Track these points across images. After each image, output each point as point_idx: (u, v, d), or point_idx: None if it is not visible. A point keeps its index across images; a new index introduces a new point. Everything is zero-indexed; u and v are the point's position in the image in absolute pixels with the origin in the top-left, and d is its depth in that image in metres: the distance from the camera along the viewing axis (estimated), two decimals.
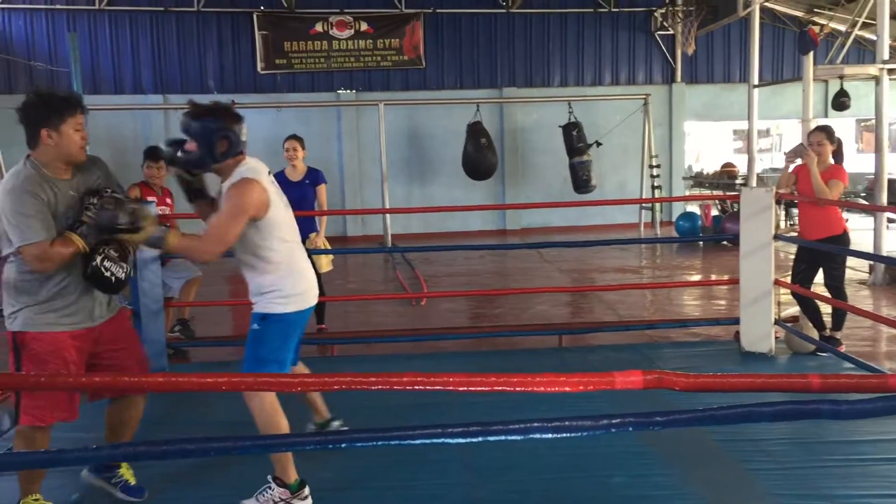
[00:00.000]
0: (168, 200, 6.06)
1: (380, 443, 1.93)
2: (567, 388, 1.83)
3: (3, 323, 3.10)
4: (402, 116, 14.73)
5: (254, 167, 3.21)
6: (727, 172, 14.06)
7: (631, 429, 1.95)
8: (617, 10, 15.40)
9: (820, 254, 5.48)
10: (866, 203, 11.20)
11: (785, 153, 5.76)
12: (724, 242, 11.81)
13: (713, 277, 10.03)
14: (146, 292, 5.17)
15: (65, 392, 3.06)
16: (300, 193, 6.05)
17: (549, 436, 1.90)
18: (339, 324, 7.00)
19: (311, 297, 3.39)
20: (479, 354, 6.00)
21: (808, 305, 5.56)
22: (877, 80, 8.77)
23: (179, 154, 3.20)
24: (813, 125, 7.36)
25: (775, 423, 3.62)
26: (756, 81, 11.62)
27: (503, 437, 1.91)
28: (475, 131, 13.34)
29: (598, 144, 13.34)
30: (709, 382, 1.92)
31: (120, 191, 3.21)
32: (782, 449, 3.82)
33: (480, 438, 1.89)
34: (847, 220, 6.11)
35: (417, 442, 1.90)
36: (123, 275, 3.09)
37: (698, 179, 14.82)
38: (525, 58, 15.38)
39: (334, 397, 3.11)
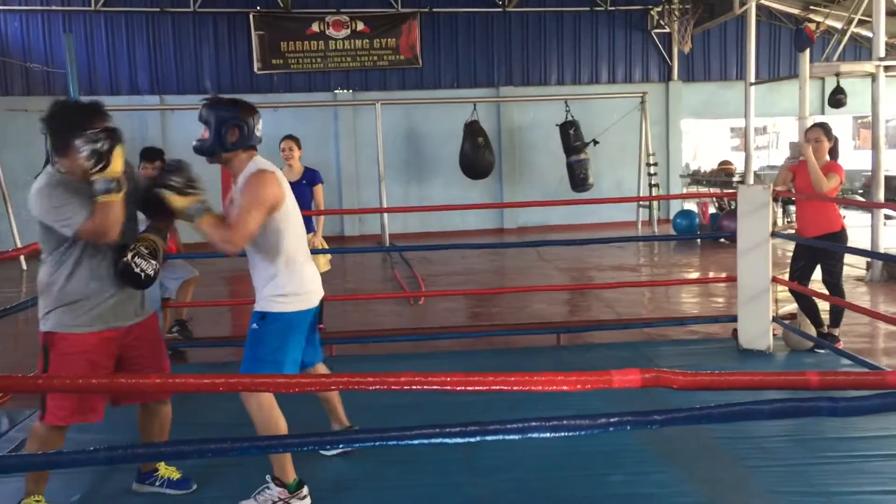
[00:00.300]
0: None
1: (378, 443, 1.93)
2: (565, 388, 1.83)
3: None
4: (399, 116, 14.72)
5: (266, 162, 3.27)
6: (724, 170, 14.07)
7: (629, 427, 1.95)
8: (613, 8, 15.40)
9: (818, 251, 5.48)
10: (863, 200, 11.21)
11: (787, 158, 5.75)
12: (722, 240, 11.81)
13: (711, 275, 10.04)
14: None
15: (158, 377, 3.08)
16: (297, 193, 5.96)
17: (548, 435, 1.90)
18: (337, 323, 6.99)
19: (313, 298, 3.37)
20: (478, 353, 6.00)
21: (805, 302, 5.56)
22: (873, 77, 8.78)
23: (194, 143, 3.25)
24: (810, 122, 7.37)
25: (773, 421, 3.62)
26: (753, 79, 11.63)
27: (501, 437, 1.91)
28: (472, 130, 13.34)
29: (595, 143, 13.33)
30: (707, 380, 1.92)
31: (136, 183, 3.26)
32: (780, 446, 3.82)
33: (479, 438, 1.89)
34: (844, 216, 6.11)
35: (416, 442, 1.89)
36: (153, 271, 3.12)
37: (695, 177, 14.82)
38: (522, 56, 15.38)
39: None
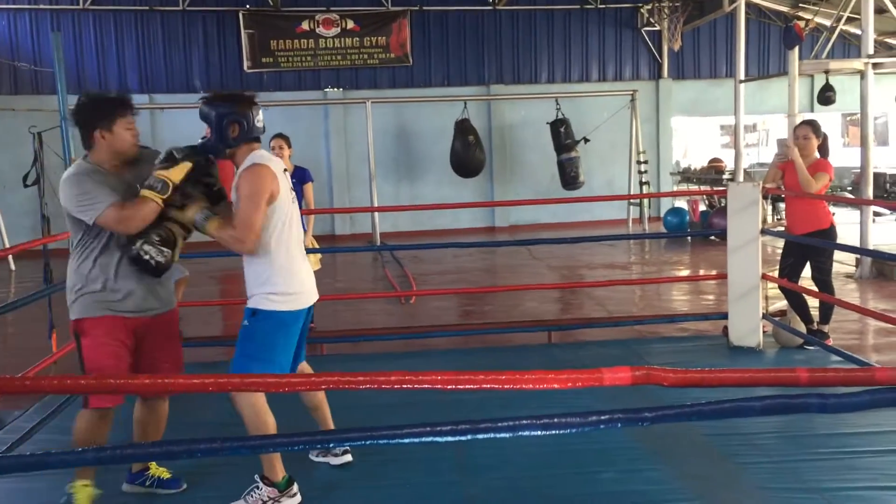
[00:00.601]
0: None
1: (369, 442, 1.92)
2: (556, 385, 1.83)
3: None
4: (390, 114, 14.69)
5: (266, 155, 3.26)
6: (714, 168, 14.11)
7: (620, 425, 1.95)
8: (603, 6, 15.41)
9: (807, 248, 5.50)
10: (852, 197, 11.26)
11: (775, 154, 5.77)
12: (712, 237, 11.84)
13: (701, 272, 10.07)
14: None
15: (124, 377, 3.11)
16: None
17: (539, 433, 1.90)
18: (328, 322, 6.98)
19: (306, 298, 3.33)
20: (469, 352, 6.00)
21: (795, 299, 5.58)
22: (862, 74, 8.82)
23: (198, 141, 3.27)
24: (799, 120, 7.39)
25: (763, 417, 3.63)
26: (742, 77, 11.66)
27: (492, 435, 1.91)
28: (463, 129, 13.33)
29: (586, 141, 13.35)
30: (697, 378, 1.92)
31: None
32: (771, 443, 3.84)
33: (470, 436, 1.89)
34: (834, 213, 6.14)
35: (407, 441, 1.89)
36: (164, 259, 3.14)
37: (686, 175, 14.86)
38: (512, 55, 15.38)
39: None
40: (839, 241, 5.77)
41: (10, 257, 11.64)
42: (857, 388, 1.90)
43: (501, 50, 15.33)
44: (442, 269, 10.65)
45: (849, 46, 14.90)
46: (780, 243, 5.90)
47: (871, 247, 8.45)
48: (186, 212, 3.16)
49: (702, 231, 12.23)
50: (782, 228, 6.47)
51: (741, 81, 11.61)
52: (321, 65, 14.73)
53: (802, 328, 5.53)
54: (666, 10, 14.75)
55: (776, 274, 5.72)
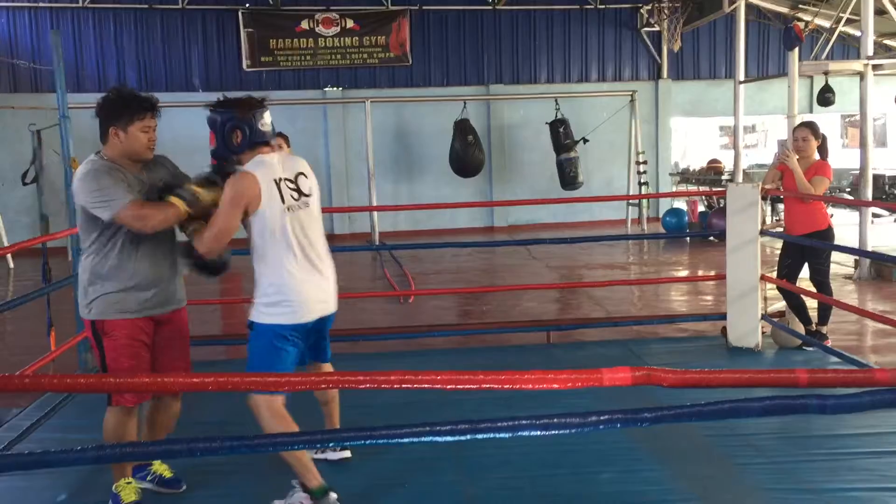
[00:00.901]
0: None
1: (368, 441, 1.92)
2: (555, 385, 1.83)
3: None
4: (389, 114, 14.69)
5: (264, 161, 3.17)
6: (713, 168, 14.12)
7: (619, 425, 1.95)
8: (603, 6, 15.41)
9: (805, 249, 5.50)
10: (851, 198, 11.27)
11: (776, 155, 5.77)
12: (711, 238, 11.85)
13: (700, 273, 10.07)
14: None
15: (145, 374, 3.19)
16: None
17: (538, 433, 1.90)
18: None
19: (307, 310, 3.19)
20: (468, 351, 6.00)
21: (794, 300, 5.58)
22: (861, 75, 8.82)
23: (210, 150, 3.26)
24: (798, 121, 7.39)
25: (762, 418, 3.63)
26: (742, 77, 11.67)
27: (492, 435, 1.90)
28: (462, 128, 13.33)
29: (585, 141, 13.36)
30: (697, 378, 1.92)
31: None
32: (769, 443, 3.84)
33: (469, 436, 1.89)
34: (832, 215, 6.14)
35: (406, 440, 1.89)
36: (222, 261, 3.29)
37: (685, 176, 14.87)
38: (512, 55, 15.37)
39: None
40: (837, 242, 5.77)
41: (9, 255, 11.63)
42: (856, 390, 1.90)
43: (501, 50, 15.32)
44: (441, 269, 10.65)
45: (848, 48, 14.90)
46: (779, 244, 5.91)
47: (869, 248, 8.46)
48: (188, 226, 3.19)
49: (701, 232, 12.23)
50: (781, 229, 6.47)
51: (741, 82, 11.61)
52: (320, 64, 14.72)
53: (801, 329, 5.53)
54: (666, 11, 14.74)
55: (774, 275, 5.73)
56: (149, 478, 3.52)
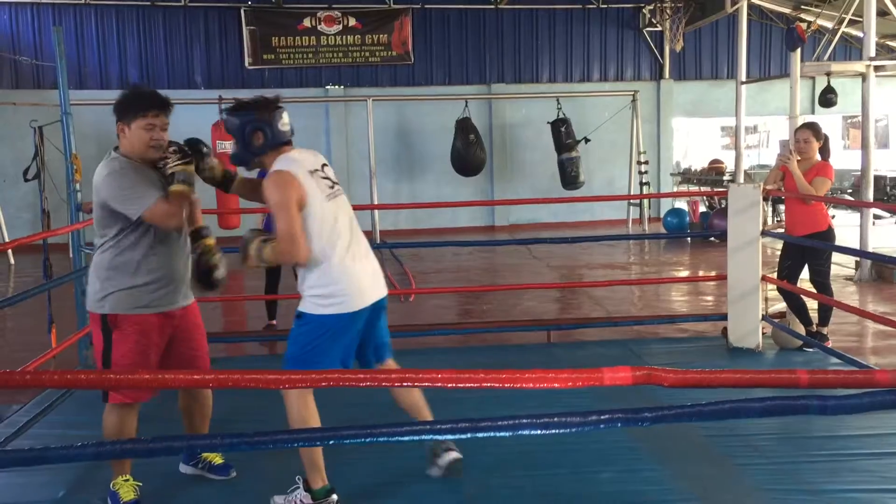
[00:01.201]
0: None
1: (368, 439, 1.92)
2: (556, 385, 1.83)
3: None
4: (391, 112, 14.69)
5: (292, 157, 3.15)
6: (715, 169, 14.11)
7: (620, 425, 1.95)
8: (605, 6, 15.41)
9: (805, 250, 5.50)
10: (852, 199, 11.26)
11: (778, 155, 5.77)
12: (712, 238, 11.85)
13: (701, 273, 10.07)
14: None
15: (144, 371, 3.19)
16: None
17: (538, 432, 1.90)
18: None
19: (359, 301, 3.15)
20: (468, 350, 6.00)
21: (794, 301, 5.58)
22: (863, 76, 8.81)
23: (230, 152, 3.29)
24: (800, 122, 7.39)
25: (762, 419, 3.63)
26: (744, 78, 11.66)
27: (492, 434, 1.90)
28: (464, 127, 13.32)
29: (587, 141, 13.36)
30: (697, 378, 1.92)
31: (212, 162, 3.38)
32: (770, 444, 3.84)
33: (469, 435, 1.88)
34: (833, 216, 6.13)
35: (406, 439, 1.89)
36: (222, 276, 3.35)
37: (686, 176, 14.86)
38: (514, 54, 15.37)
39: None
40: (838, 243, 5.77)
41: (10, 251, 11.64)
42: (856, 391, 1.90)
43: (503, 49, 15.32)
44: (441, 268, 10.65)
45: (850, 49, 14.90)
46: (780, 245, 5.90)
47: (870, 249, 8.45)
48: (248, 249, 3.13)
49: (702, 232, 12.23)
50: (782, 230, 6.47)
51: (742, 83, 11.60)
52: (323, 62, 14.72)
53: (801, 330, 5.53)
54: (668, 11, 14.73)
55: (775, 276, 5.72)
56: (200, 465, 3.57)
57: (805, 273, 5.65)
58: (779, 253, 5.85)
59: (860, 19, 9.42)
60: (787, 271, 5.61)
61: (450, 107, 13.79)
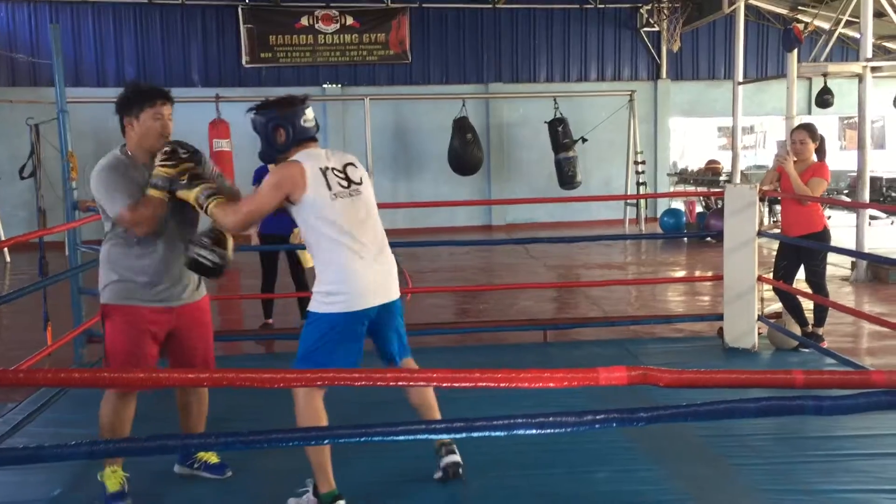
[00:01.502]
0: None
1: (363, 439, 1.92)
2: (552, 384, 1.83)
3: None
4: (388, 111, 14.68)
5: (312, 153, 3.19)
6: (711, 169, 14.12)
7: (615, 425, 1.95)
8: (602, 6, 15.40)
9: (801, 250, 5.51)
10: (849, 200, 11.28)
11: (776, 156, 5.78)
12: (708, 239, 11.86)
13: (697, 274, 10.07)
14: None
15: (145, 363, 3.28)
16: None
17: (534, 431, 1.90)
18: None
19: (359, 301, 3.13)
20: (464, 349, 6.00)
21: (790, 302, 5.58)
22: (860, 77, 8.82)
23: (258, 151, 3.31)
24: (797, 122, 7.39)
25: (758, 419, 3.64)
26: (740, 78, 11.67)
27: (487, 434, 1.90)
28: (461, 127, 13.32)
29: (584, 140, 13.36)
30: (693, 378, 1.92)
31: (217, 173, 3.41)
32: (765, 444, 3.84)
33: (464, 434, 1.88)
34: (829, 217, 6.13)
35: (401, 438, 1.89)
36: (220, 260, 3.22)
37: (683, 176, 14.87)
38: (511, 53, 15.36)
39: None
40: (834, 244, 5.78)
41: (6, 249, 11.61)
42: (852, 391, 1.90)
43: (500, 48, 15.31)
44: (438, 267, 10.65)
45: (847, 50, 14.91)
46: (776, 245, 5.91)
47: (866, 250, 8.47)
48: (192, 190, 3.16)
49: (698, 232, 12.24)
50: (778, 231, 6.47)
51: (739, 83, 11.61)
52: (320, 61, 14.70)
53: (797, 330, 5.53)
54: (665, 11, 14.74)
55: (771, 276, 5.73)
56: (195, 465, 3.57)
57: (801, 273, 5.66)
58: (775, 253, 5.86)
59: (857, 20, 9.43)
60: (783, 272, 5.62)
61: (447, 106, 13.78)
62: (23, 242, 4.82)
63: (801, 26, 10.13)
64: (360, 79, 14.92)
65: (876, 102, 10.21)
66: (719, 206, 11.42)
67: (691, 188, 13.81)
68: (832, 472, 3.53)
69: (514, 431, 1.88)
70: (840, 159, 14.99)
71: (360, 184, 3.27)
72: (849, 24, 10.98)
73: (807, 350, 5.41)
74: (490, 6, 15.11)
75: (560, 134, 13.26)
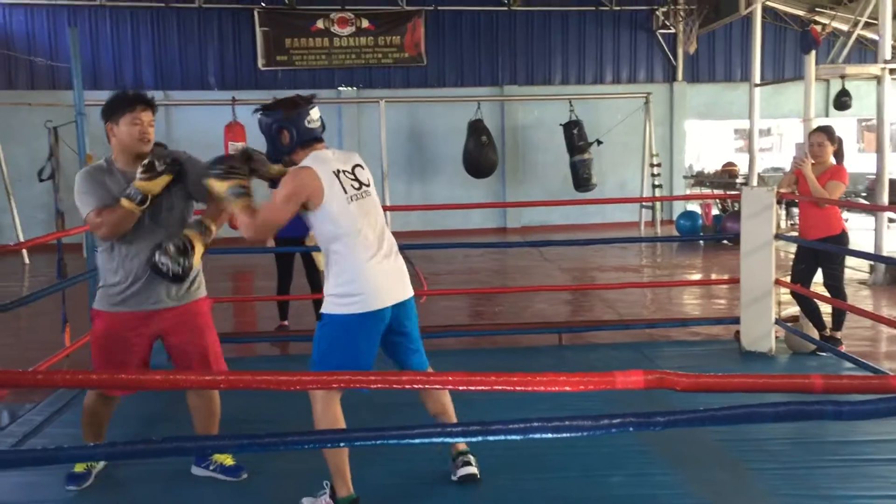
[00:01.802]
0: None
1: (378, 441, 1.92)
2: (567, 388, 1.82)
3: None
4: (403, 114, 14.70)
5: (321, 156, 3.19)
6: (728, 171, 14.04)
7: (632, 429, 1.94)
8: (618, 8, 15.37)
9: (819, 253, 5.47)
10: (867, 203, 11.19)
11: (793, 158, 5.74)
12: (725, 241, 11.80)
13: (713, 276, 10.02)
14: None
15: (129, 368, 3.35)
16: None
17: (550, 435, 1.89)
18: None
19: (374, 301, 3.12)
20: (479, 352, 5.99)
21: (807, 305, 5.54)
22: (878, 79, 8.75)
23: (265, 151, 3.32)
24: (814, 125, 7.35)
25: (775, 423, 3.61)
26: (757, 80, 11.59)
27: (503, 437, 1.90)
28: (476, 129, 13.32)
29: (599, 143, 13.32)
30: (711, 383, 1.91)
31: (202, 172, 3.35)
32: (783, 449, 3.81)
33: (480, 438, 1.88)
34: (847, 220, 6.08)
35: (417, 441, 1.88)
36: (180, 269, 3.24)
37: (699, 178, 14.80)
38: (526, 56, 15.36)
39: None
40: (852, 247, 5.74)
41: (25, 251, 11.71)
42: (871, 396, 1.89)
43: (516, 51, 15.31)
44: (453, 269, 10.64)
45: (865, 51, 14.78)
46: (794, 248, 5.87)
47: (885, 253, 8.40)
48: (221, 183, 3.12)
49: (715, 235, 12.17)
50: (795, 234, 6.43)
51: (756, 85, 11.54)
52: (335, 63, 14.75)
53: (815, 334, 5.49)
54: (682, 13, 14.69)
55: (788, 279, 5.69)
56: (211, 467, 3.60)
57: (818, 277, 5.62)
58: (792, 256, 5.82)
59: (875, 22, 9.36)
60: (801, 275, 5.58)
61: (462, 108, 13.78)
62: (41, 244, 4.86)
63: (818, 28, 10.07)
64: (375, 81, 14.96)
65: (894, 104, 10.12)
66: (736, 209, 11.36)
67: (707, 191, 13.74)
68: (851, 477, 3.49)
69: (530, 435, 1.88)
70: (858, 162, 14.88)
71: (368, 185, 3.31)
72: (867, 25, 10.89)
73: (824, 354, 5.37)
74: (505, 8, 15.11)
75: (575, 136, 13.24)
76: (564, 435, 1.89)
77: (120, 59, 14.34)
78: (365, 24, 14.70)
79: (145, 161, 3.23)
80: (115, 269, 3.33)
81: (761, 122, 13.32)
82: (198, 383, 1.87)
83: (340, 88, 14.82)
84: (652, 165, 14.11)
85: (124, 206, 3.20)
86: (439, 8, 14.91)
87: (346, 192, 3.15)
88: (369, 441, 1.91)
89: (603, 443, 3.77)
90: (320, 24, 14.60)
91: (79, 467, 3.48)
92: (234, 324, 7.57)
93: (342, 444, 3.59)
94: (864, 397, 1.88)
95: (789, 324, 5.66)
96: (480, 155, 13.31)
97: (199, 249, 3.29)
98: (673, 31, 15.31)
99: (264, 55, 14.53)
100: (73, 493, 3.44)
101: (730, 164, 14.78)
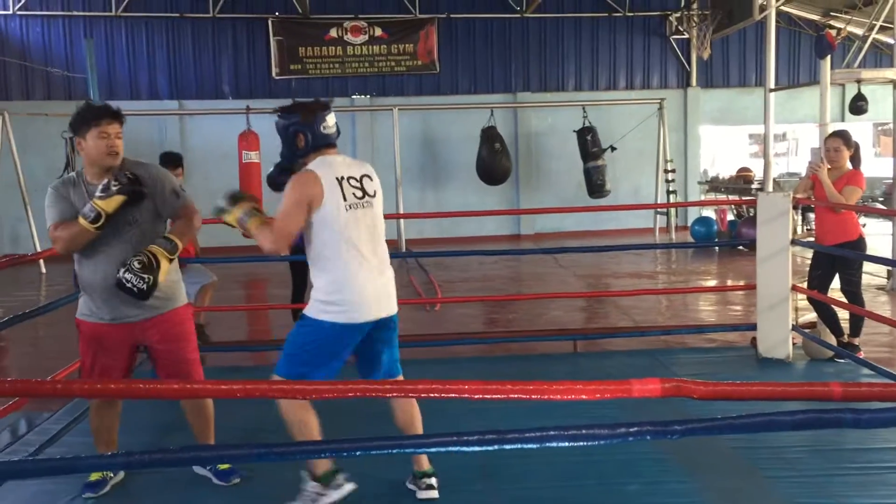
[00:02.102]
0: None
1: (395, 450, 1.92)
2: (584, 396, 1.82)
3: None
4: (417, 121, 14.74)
5: (327, 161, 3.22)
6: (743, 177, 13.97)
7: (649, 437, 1.93)
8: (632, 14, 15.35)
9: (836, 259, 5.43)
10: (884, 208, 11.10)
11: (809, 163, 5.71)
12: (741, 247, 11.72)
13: (729, 283, 9.97)
14: None
15: (119, 375, 3.43)
16: None
17: (566, 444, 1.89)
18: None
19: (357, 313, 3.14)
20: (494, 359, 5.98)
21: (825, 311, 5.50)
22: (894, 84, 8.70)
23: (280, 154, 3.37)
24: (830, 129, 7.31)
25: (793, 431, 3.58)
26: (772, 85, 11.54)
27: (519, 446, 1.89)
28: (489, 136, 13.33)
29: (613, 149, 13.30)
30: (728, 391, 1.90)
31: (171, 194, 3.45)
32: (800, 456, 3.78)
33: (496, 447, 1.88)
34: (864, 225, 6.03)
35: (433, 450, 1.88)
36: (144, 285, 3.23)
37: (714, 184, 14.73)
38: (539, 62, 15.36)
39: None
40: (869, 252, 5.69)
41: (41, 261, 11.79)
42: (891, 404, 1.87)
43: (528, 57, 15.31)
44: (467, 277, 10.64)
45: (881, 56, 14.71)
46: (810, 254, 5.84)
47: None
48: (234, 211, 3.19)
49: (730, 241, 12.11)
50: (812, 239, 6.39)
51: (771, 90, 11.49)
52: (349, 72, 14.80)
53: (832, 340, 5.45)
54: (695, 19, 14.65)
55: (805, 285, 5.65)
56: (210, 468, 3.63)
57: (836, 283, 5.58)
58: (809, 262, 5.79)
59: (891, 26, 9.31)
60: (818, 281, 5.54)
61: (475, 115, 13.79)
62: (57, 254, 4.88)
63: (833, 32, 10.01)
64: (388, 89, 15.00)
65: None
66: (751, 215, 11.30)
67: (722, 196, 13.68)
68: (869, 485, 3.46)
69: (547, 444, 1.88)
70: (875, 166, 14.76)
71: (373, 196, 3.32)
72: (882, 29, 10.82)
73: (842, 360, 5.32)
74: (518, 15, 15.12)
75: (589, 143, 13.22)
76: (581, 443, 1.89)
77: (135, 69, 14.45)
78: (378, 32, 14.75)
79: (105, 181, 3.23)
80: (88, 281, 3.37)
81: (776, 127, 13.25)
82: (214, 392, 1.88)
83: (354, 96, 14.87)
84: (666, 171, 14.06)
85: (80, 223, 3.23)
86: (452, 15, 14.95)
87: (345, 200, 3.17)
88: (387, 450, 1.91)
89: (619, 450, 3.76)
90: (334, 32, 14.66)
91: (94, 476, 3.52)
92: (249, 332, 7.60)
93: (359, 453, 3.60)
94: (883, 405, 1.86)
95: (807, 330, 5.62)
96: (494, 162, 13.31)
97: (164, 265, 3.28)
98: (686, 36, 15.27)
99: (278, 64, 14.61)
100: (90, 500, 3.46)
101: (745, 169, 14.71)
